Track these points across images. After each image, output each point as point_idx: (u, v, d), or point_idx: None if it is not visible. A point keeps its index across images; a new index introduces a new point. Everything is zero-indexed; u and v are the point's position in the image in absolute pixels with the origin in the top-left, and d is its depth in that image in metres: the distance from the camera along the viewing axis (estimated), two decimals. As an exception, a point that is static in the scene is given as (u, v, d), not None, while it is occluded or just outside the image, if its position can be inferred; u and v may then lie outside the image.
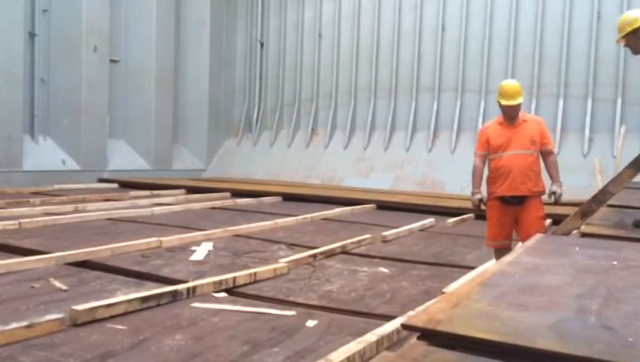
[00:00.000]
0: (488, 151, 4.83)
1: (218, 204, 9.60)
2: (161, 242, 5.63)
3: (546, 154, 4.78)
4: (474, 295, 1.93)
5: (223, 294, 4.04)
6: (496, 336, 1.52)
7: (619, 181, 3.82)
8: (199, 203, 9.55)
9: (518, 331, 1.57)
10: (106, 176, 12.97)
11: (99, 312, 3.31)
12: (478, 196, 4.88)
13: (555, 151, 4.87)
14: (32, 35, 11.96)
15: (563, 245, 3.08)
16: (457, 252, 6.07)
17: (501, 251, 4.72)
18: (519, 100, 4.70)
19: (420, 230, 7.58)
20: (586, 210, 3.91)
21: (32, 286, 4.02)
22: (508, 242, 4.83)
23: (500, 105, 4.79)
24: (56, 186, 11.23)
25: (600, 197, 3.90)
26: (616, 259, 2.59)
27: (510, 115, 4.75)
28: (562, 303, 1.88)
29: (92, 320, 3.24)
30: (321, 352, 2.96)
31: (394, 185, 13.01)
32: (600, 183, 9.69)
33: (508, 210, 4.75)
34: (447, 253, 5.98)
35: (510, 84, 4.82)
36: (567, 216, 8.75)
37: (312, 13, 15.27)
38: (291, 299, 4.01)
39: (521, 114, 4.81)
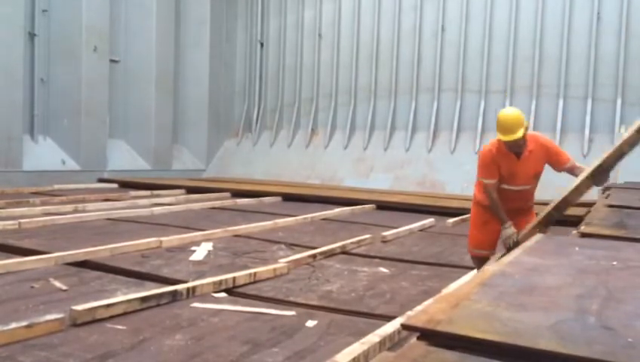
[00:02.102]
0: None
1: (218, 204, 9.59)
2: (161, 242, 5.62)
3: (569, 171, 4.13)
4: (474, 295, 1.93)
5: (223, 294, 4.04)
6: (496, 337, 1.52)
7: (578, 192, 3.89)
8: (199, 203, 9.54)
9: (518, 331, 1.57)
10: (105, 176, 12.96)
11: (99, 312, 3.30)
12: (514, 229, 4.08)
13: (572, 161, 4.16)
14: (32, 35, 11.96)
15: (563, 245, 3.08)
16: (457, 252, 6.07)
17: (482, 261, 4.26)
18: (519, 133, 3.91)
19: (420, 230, 7.58)
20: (547, 218, 3.96)
21: (32, 287, 4.01)
22: (492, 251, 4.32)
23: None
24: (56, 186, 11.23)
25: (561, 206, 3.93)
26: (616, 259, 2.59)
27: (514, 150, 4.05)
28: (562, 303, 1.88)
29: (92, 320, 3.24)
30: (321, 352, 2.96)
31: (394, 185, 13.02)
32: (600, 183, 9.67)
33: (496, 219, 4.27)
34: (447, 253, 5.98)
35: (507, 115, 4.03)
36: (567, 215, 8.74)
37: (312, 13, 15.27)
38: (291, 299, 4.01)
39: (530, 138, 4.09)
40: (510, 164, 4.11)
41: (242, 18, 16.46)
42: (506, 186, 4.19)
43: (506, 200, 4.19)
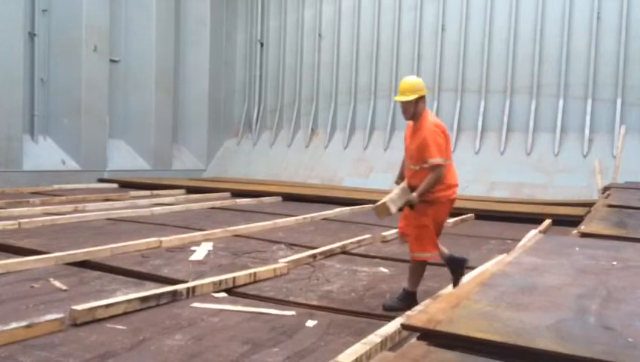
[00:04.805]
0: None
1: (218, 204, 9.59)
2: (160, 242, 5.62)
3: (429, 169, 3.89)
4: (474, 295, 1.93)
5: (223, 294, 4.04)
6: (497, 337, 1.52)
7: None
8: (199, 203, 9.54)
9: (518, 331, 1.57)
10: (105, 176, 12.96)
11: (98, 312, 3.31)
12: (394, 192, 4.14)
13: (438, 162, 3.85)
14: (32, 35, 11.96)
15: (563, 245, 3.08)
16: (457, 252, 6.03)
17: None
18: (404, 98, 4.00)
19: (420, 230, 7.56)
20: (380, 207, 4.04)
21: (32, 286, 4.01)
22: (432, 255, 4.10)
23: None
24: (56, 186, 11.23)
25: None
26: (616, 259, 2.59)
27: (405, 116, 4.10)
28: (562, 303, 1.88)
29: (92, 320, 3.24)
30: (321, 352, 2.96)
31: (394, 185, 12.99)
32: (600, 183, 9.69)
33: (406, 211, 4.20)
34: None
35: (406, 79, 4.15)
36: (567, 215, 8.75)
37: (312, 13, 15.27)
38: (291, 299, 4.01)
39: (431, 120, 4.00)
40: (408, 135, 4.14)
41: (242, 18, 16.46)
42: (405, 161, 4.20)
43: (407, 177, 4.15)
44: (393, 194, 4.03)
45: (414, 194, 3.93)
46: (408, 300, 3.88)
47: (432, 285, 4.51)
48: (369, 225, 7.74)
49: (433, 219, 4.02)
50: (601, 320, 1.70)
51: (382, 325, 3.22)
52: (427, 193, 3.91)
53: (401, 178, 4.28)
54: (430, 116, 4.05)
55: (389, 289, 4.38)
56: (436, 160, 3.85)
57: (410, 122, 4.14)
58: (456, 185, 4.13)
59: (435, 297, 3.79)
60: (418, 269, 4.04)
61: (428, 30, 13.75)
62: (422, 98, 4.05)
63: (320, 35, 15.16)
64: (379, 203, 3.96)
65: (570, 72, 12.32)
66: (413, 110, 4.03)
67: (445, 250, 4.19)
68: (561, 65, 12.37)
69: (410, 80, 4.13)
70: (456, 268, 4.13)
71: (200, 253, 5.39)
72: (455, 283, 4.08)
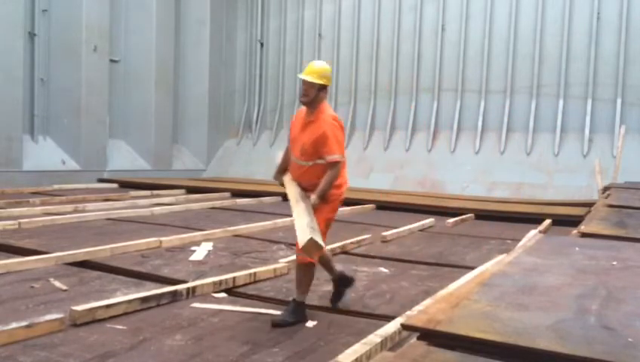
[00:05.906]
0: None
1: (218, 204, 9.59)
2: (160, 242, 5.62)
3: (327, 166, 3.61)
4: (474, 295, 1.93)
5: (223, 294, 4.04)
6: (497, 337, 1.52)
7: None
8: (199, 203, 9.54)
9: (518, 331, 1.57)
10: (105, 176, 12.97)
11: (98, 312, 3.31)
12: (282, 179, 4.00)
13: (337, 158, 3.59)
14: (32, 35, 11.96)
15: (563, 245, 3.08)
16: (457, 252, 6.06)
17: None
18: (309, 77, 3.61)
19: (420, 230, 7.57)
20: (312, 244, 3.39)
21: (32, 286, 4.01)
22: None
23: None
24: (56, 186, 11.23)
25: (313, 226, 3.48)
26: (616, 259, 2.59)
27: (301, 99, 3.72)
28: (562, 303, 1.88)
29: (92, 320, 3.24)
30: (321, 352, 2.96)
31: (394, 185, 13.01)
32: (600, 183, 9.70)
33: None
34: (447, 253, 5.98)
35: (318, 62, 3.80)
36: (567, 215, 8.75)
37: (312, 13, 15.27)
38: (291, 299, 4.00)
39: (329, 114, 3.69)
40: (298, 126, 3.78)
41: (242, 18, 16.47)
42: (291, 156, 3.85)
43: (293, 175, 3.86)
44: (307, 220, 3.45)
45: (314, 197, 3.59)
46: (299, 312, 3.51)
47: (432, 285, 4.51)
48: (369, 225, 7.74)
49: (324, 218, 3.73)
50: (601, 320, 1.70)
51: (382, 325, 3.22)
52: (327, 193, 3.61)
53: (281, 172, 3.94)
54: (328, 109, 3.76)
55: (388, 289, 4.38)
56: (335, 156, 3.57)
57: (303, 111, 3.78)
58: (347, 183, 3.89)
59: (435, 297, 3.79)
60: (308, 274, 3.61)
61: (428, 30, 13.75)
62: (325, 88, 3.70)
63: (320, 35, 15.16)
64: (305, 242, 3.27)
65: (570, 72, 12.32)
66: (313, 95, 3.64)
67: (338, 267, 3.88)
68: (561, 65, 12.37)
69: (320, 64, 3.75)
70: (344, 285, 3.81)
71: (200, 253, 5.39)
72: (335, 300, 3.81)
